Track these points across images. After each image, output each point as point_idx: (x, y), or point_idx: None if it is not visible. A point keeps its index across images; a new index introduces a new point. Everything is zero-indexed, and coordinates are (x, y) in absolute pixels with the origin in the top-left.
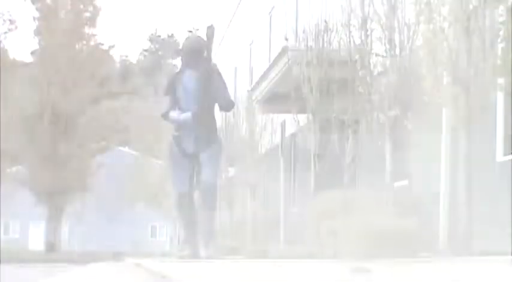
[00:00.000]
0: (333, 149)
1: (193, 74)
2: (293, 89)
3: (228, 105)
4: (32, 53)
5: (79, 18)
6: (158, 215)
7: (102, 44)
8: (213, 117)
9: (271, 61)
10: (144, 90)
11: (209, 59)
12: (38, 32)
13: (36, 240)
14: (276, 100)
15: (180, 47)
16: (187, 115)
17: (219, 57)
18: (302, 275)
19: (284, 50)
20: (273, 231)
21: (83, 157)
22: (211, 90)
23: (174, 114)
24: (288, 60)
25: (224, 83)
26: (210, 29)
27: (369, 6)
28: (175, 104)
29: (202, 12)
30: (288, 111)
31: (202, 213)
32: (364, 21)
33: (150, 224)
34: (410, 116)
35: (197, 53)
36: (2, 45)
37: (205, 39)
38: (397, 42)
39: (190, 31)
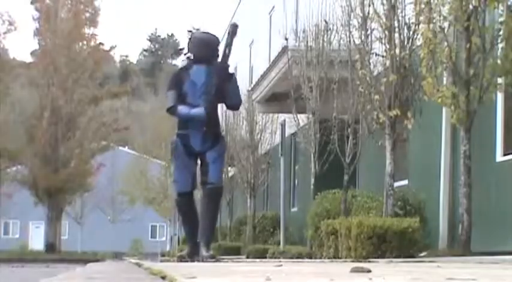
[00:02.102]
0: (332, 149)
1: (203, 69)
2: (293, 89)
3: (237, 105)
4: (32, 53)
5: (79, 18)
6: (158, 215)
7: (102, 44)
8: (218, 116)
9: (271, 61)
10: (144, 90)
11: (227, 56)
12: (38, 32)
13: (36, 240)
14: (276, 100)
15: (192, 39)
16: (200, 111)
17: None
18: (302, 275)
19: (284, 50)
20: (273, 231)
21: (83, 157)
22: (223, 88)
23: (183, 109)
24: (288, 60)
25: (237, 82)
26: (234, 27)
27: (369, 6)
28: (181, 99)
29: (202, 12)
30: (288, 111)
31: (205, 214)
32: (364, 21)
33: (150, 224)
34: (410, 116)
35: (212, 48)
36: (2, 45)
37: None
38: (397, 42)
39: (190, 31)
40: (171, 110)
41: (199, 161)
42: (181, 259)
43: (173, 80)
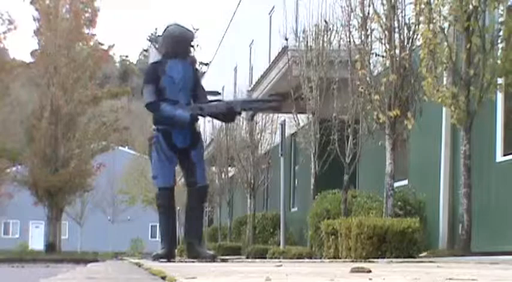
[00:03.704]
0: (332, 149)
1: (179, 64)
2: (293, 89)
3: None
4: (32, 53)
5: (79, 18)
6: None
7: (102, 44)
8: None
9: (271, 61)
10: None
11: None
12: (38, 32)
13: (36, 240)
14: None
15: (168, 35)
16: (184, 115)
17: (219, 57)
18: (302, 275)
19: (284, 50)
20: (273, 231)
21: (83, 157)
22: (198, 87)
23: (168, 107)
24: (288, 60)
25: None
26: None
27: (369, 6)
28: (159, 94)
29: (202, 12)
30: (288, 111)
31: (195, 214)
32: (364, 21)
33: (150, 224)
34: (410, 116)
35: (188, 44)
36: (1, 45)
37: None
38: (397, 42)
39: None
40: (152, 106)
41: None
42: (156, 258)
43: (149, 74)
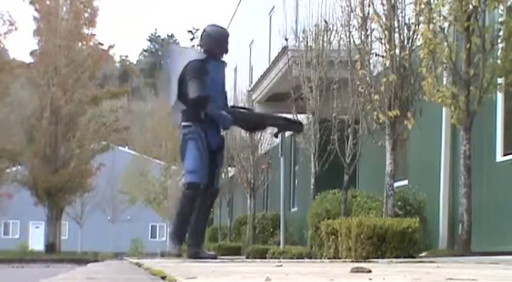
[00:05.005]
0: (332, 149)
1: (221, 66)
2: (293, 89)
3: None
4: (31, 53)
5: (79, 18)
6: (158, 215)
7: (102, 44)
8: None
9: (271, 61)
10: (144, 90)
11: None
12: (38, 32)
13: (36, 240)
14: (276, 100)
15: (214, 34)
16: (229, 118)
17: None
18: (302, 275)
19: (284, 50)
20: (273, 231)
21: (83, 157)
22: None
23: (213, 105)
24: (288, 60)
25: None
26: (299, 126)
27: (369, 6)
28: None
29: (202, 12)
30: (288, 111)
31: (204, 215)
32: (364, 21)
33: (150, 224)
34: (410, 116)
35: (228, 45)
36: (2, 46)
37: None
38: (397, 42)
39: (190, 31)
40: (204, 100)
41: None
42: (177, 257)
43: (198, 70)
